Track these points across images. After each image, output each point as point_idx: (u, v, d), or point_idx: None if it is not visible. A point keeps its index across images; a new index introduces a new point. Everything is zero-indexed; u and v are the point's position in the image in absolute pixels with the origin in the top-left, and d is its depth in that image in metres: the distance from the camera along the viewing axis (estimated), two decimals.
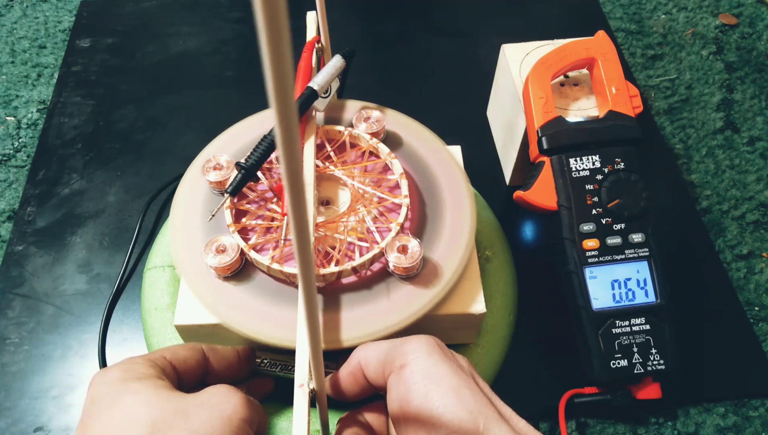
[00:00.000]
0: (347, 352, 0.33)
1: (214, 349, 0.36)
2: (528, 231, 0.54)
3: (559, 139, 0.46)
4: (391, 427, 0.33)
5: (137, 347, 0.48)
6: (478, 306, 0.39)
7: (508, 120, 0.55)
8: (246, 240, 0.39)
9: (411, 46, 0.70)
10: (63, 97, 0.65)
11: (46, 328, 0.49)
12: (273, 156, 0.43)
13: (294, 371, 0.31)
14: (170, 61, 0.68)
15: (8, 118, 0.63)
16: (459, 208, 0.42)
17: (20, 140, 0.62)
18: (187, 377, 0.33)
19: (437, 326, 0.40)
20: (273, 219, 0.41)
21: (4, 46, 0.70)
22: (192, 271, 0.39)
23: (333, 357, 0.38)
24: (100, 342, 0.48)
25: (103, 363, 0.47)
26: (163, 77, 0.67)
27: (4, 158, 0.60)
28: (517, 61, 0.53)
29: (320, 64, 0.48)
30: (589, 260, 0.43)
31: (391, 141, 0.46)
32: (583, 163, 0.45)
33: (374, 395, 0.33)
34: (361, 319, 0.37)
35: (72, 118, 0.63)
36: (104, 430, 0.28)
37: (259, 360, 0.39)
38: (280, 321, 0.37)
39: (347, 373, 0.32)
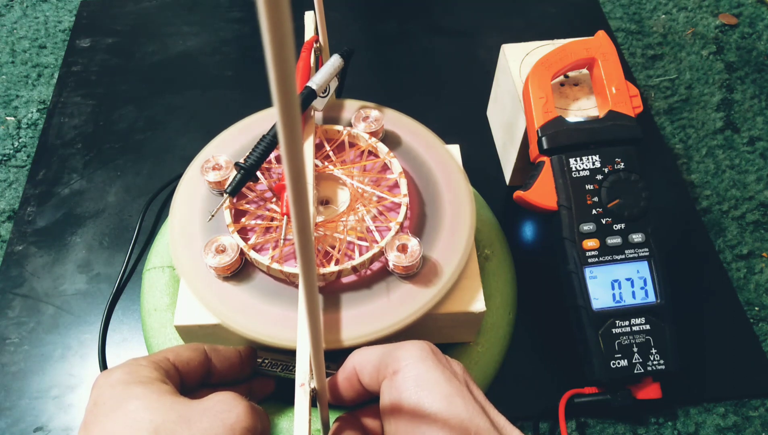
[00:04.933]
0: (347, 351, 0.33)
1: (216, 350, 0.36)
2: (528, 231, 0.54)
3: (559, 139, 0.46)
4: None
5: (137, 347, 0.48)
6: (478, 304, 0.39)
7: (508, 120, 0.55)
8: (245, 240, 0.39)
9: (411, 45, 0.70)
10: (63, 97, 0.65)
11: (46, 328, 0.49)
12: (272, 156, 0.43)
13: (295, 371, 0.31)
14: (170, 61, 0.68)
15: (8, 118, 0.63)
16: (458, 207, 0.42)
17: (20, 140, 0.62)
18: (190, 378, 0.33)
19: (437, 325, 0.40)
20: (272, 219, 0.41)
21: (4, 46, 0.70)
22: (191, 271, 0.39)
23: (334, 357, 0.38)
24: (100, 342, 0.48)
25: (103, 363, 0.47)
26: (163, 77, 0.67)
27: (4, 158, 0.60)
28: (517, 61, 0.53)
29: (318, 64, 0.48)
30: (589, 260, 0.43)
31: (390, 140, 0.46)
32: (583, 163, 0.45)
33: (372, 399, 0.33)
34: (361, 319, 0.37)
35: (72, 118, 0.63)
36: None
37: (260, 360, 0.39)
38: (280, 321, 0.37)
39: (343, 378, 0.32)
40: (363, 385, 0.31)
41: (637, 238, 0.44)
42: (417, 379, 0.28)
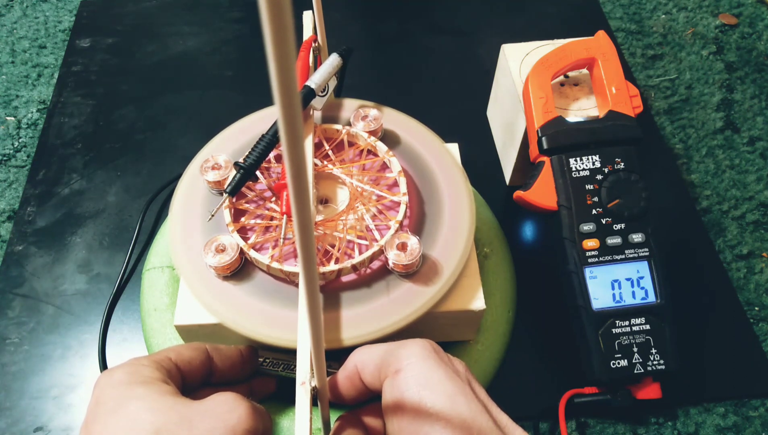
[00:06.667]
0: (348, 350, 0.33)
1: (217, 349, 0.36)
2: (527, 231, 0.54)
3: (559, 139, 0.45)
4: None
5: (137, 347, 0.48)
6: (478, 302, 0.39)
7: (508, 120, 0.55)
8: (245, 239, 0.39)
9: (411, 45, 0.70)
10: (63, 97, 0.65)
11: (46, 328, 0.49)
12: (271, 155, 0.43)
13: (296, 370, 0.31)
14: (170, 61, 0.68)
15: (8, 118, 0.63)
16: (457, 205, 0.42)
17: (20, 140, 0.62)
18: (192, 378, 0.33)
19: (437, 324, 0.40)
20: (272, 218, 0.41)
21: (4, 46, 0.70)
22: (191, 271, 0.39)
23: (335, 357, 0.38)
24: (100, 342, 0.48)
25: (103, 363, 0.47)
26: (163, 77, 0.67)
27: (4, 158, 0.60)
28: (517, 61, 0.53)
29: (317, 64, 0.48)
30: (589, 260, 0.43)
31: (389, 139, 0.46)
32: (583, 163, 0.45)
33: (373, 397, 0.33)
34: (362, 318, 0.37)
35: (72, 118, 0.63)
36: None
37: (261, 359, 0.39)
38: (280, 320, 0.37)
39: (344, 377, 0.32)
40: (365, 383, 0.31)
41: (637, 238, 0.44)
42: (419, 378, 0.28)
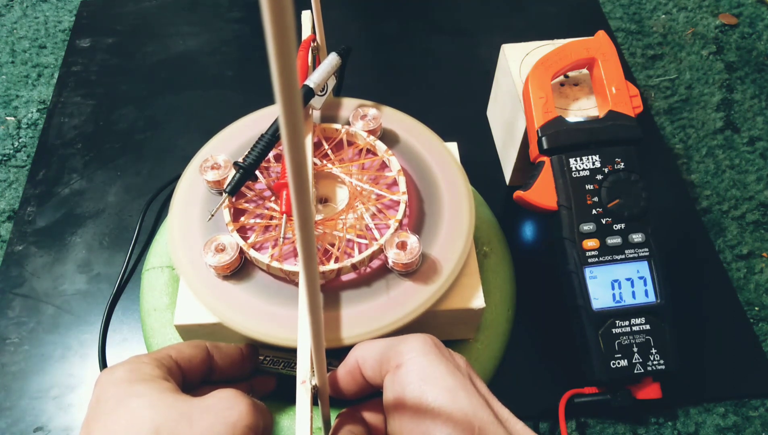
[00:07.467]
0: (348, 349, 0.33)
1: (217, 347, 0.36)
2: (527, 231, 0.54)
3: (559, 139, 0.45)
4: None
5: (137, 347, 0.48)
6: (478, 301, 0.39)
7: (508, 120, 0.55)
8: (245, 239, 0.39)
9: (411, 45, 0.70)
10: (63, 97, 0.65)
11: (46, 328, 0.49)
12: (271, 154, 0.43)
13: (296, 368, 0.31)
14: (170, 61, 0.68)
15: (8, 118, 0.63)
16: (457, 204, 0.42)
17: (20, 140, 0.62)
18: (192, 375, 0.33)
19: (437, 322, 0.40)
20: (272, 217, 0.41)
21: (4, 46, 0.70)
22: (191, 270, 0.39)
23: (335, 355, 0.38)
24: (100, 342, 0.48)
25: (103, 363, 0.47)
26: (163, 77, 0.67)
27: (4, 158, 0.60)
28: (517, 61, 0.53)
29: (316, 64, 0.48)
30: (589, 260, 0.43)
31: (388, 138, 0.46)
32: (583, 163, 0.45)
33: (374, 393, 0.33)
34: (361, 316, 0.37)
35: (72, 118, 0.63)
36: (108, 433, 0.28)
37: (261, 357, 0.39)
38: (280, 319, 0.37)
39: (345, 372, 0.32)
40: (365, 378, 0.31)
41: (637, 238, 0.44)
42: (420, 372, 0.28)
